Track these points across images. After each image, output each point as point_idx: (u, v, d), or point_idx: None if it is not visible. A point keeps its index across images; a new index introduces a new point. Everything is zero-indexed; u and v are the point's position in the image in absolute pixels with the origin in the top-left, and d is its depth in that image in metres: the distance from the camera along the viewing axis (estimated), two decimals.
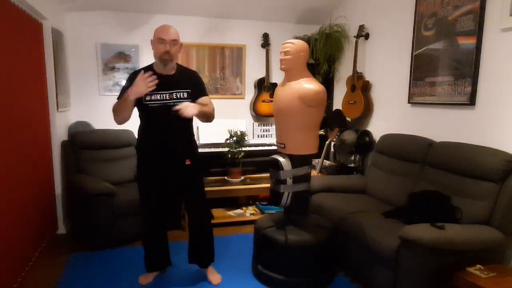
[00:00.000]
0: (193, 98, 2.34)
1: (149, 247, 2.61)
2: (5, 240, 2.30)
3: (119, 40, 4.08)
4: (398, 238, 2.13)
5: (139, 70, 2.30)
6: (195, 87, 2.38)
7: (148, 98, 2.27)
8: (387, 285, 2.23)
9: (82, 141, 3.57)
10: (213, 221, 3.53)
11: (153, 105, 2.29)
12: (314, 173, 3.65)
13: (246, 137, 3.93)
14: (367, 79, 3.83)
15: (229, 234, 3.39)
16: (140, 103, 2.27)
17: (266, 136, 4.66)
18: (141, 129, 2.43)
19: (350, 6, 4.12)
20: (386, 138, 3.34)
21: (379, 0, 3.66)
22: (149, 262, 2.63)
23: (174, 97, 2.30)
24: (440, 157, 2.68)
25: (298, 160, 2.48)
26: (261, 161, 3.73)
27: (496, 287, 1.84)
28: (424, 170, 2.82)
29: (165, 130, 2.34)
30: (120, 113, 2.25)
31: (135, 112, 2.35)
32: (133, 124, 4.15)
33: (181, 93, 2.32)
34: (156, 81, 2.18)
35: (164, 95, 2.29)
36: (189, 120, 2.38)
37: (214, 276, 2.61)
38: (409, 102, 3.24)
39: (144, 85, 2.15)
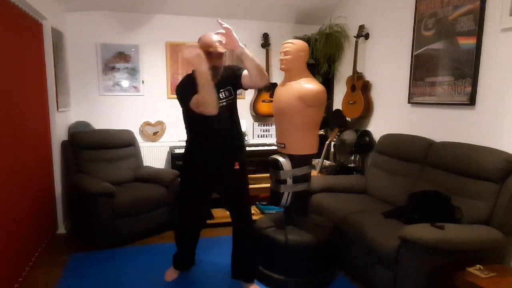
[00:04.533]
0: (234, 94, 2.28)
1: (181, 247, 2.58)
2: (5, 240, 2.30)
3: (119, 40, 4.08)
4: (398, 238, 2.13)
5: (188, 78, 2.25)
6: (233, 79, 2.23)
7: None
8: (387, 285, 2.23)
9: (82, 141, 3.57)
10: (213, 221, 3.55)
11: None
12: (314, 173, 3.64)
13: (246, 137, 3.93)
14: (367, 79, 3.83)
15: (229, 234, 3.36)
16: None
17: (266, 136, 4.66)
18: (190, 133, 2.34)
19: (350, 6, 4.12)
20: (386, 138, 3.34)
21: (379, 0, 3.66)
22: (178, 261, 2.62)
23: (220, 98, 2.18)
24: (440, 157, 2.68)
25: (298, 160, 2.48)
26: (261, 161, 3.73)
27: (496, 287, 1.84)
28: (424, 170, 2.82)
29: (217, 133, 2.26)
30: (209, 95, 2.01)
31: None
32: (133, 124, 4.16)
33: (222, 93, 2.23)
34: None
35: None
36: (238, 116, 2.36)
37: None
38: (409, 102, 3.24)
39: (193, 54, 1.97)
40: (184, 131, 2.40)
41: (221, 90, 2.23)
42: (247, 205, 2.43)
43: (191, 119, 2.28)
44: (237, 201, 2.41)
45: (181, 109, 2.28)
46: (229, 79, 2.26)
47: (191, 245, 2.62)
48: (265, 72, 2.20)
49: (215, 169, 2.32)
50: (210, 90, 2.00)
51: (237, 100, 2.38)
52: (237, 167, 2.31)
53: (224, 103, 2.24)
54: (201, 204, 2.50)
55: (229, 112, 2.28)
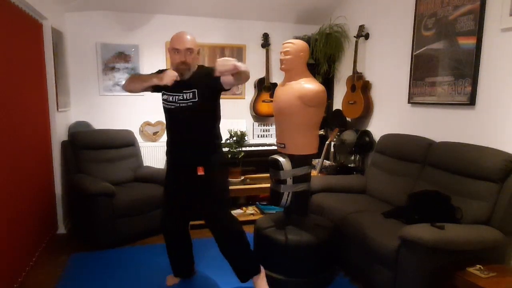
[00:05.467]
0: (201, 99, 2.16)
1: (168, 251, 2.52)
2: (5, 240, 2.30)
3: (119, 40, 4.08)
4: (398, 238, 2.13)
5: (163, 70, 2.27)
6: (204, 82, 2.15)
7: (164, 97, 2.26)
8: (387, 285, 2.23)
9: (82, 141, 3.57)
10: None
11: (166, 105, 2.26)
12: (314, 173, 3.64)
13: (246, 137, 3.94)
14: (367, 79, 3.83)
15: None
16: (162, 101, 2.28)
17: (266, 136, 4.66)
18: (166, 133, 2.40)
19: (350, 6, 4.12)
20: (386, 138, 3.34)
21: (379, 0, 3.66)
22: (173, 268, 2.56)
23: (181, 99, 2.18)
24: (440, 157, 2.68)
25: (298, 160, 2.48)
26: (261, 161, 3.74)
27: (496, 287, 1.84)
28: (424, 170, 2.82)
29: (178, 133, 2.28)
30: (133, 83, 2.23)
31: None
32: (133, 124, 4.16)
33: (187, 94, 2.17)
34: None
35: (175, 97, 2.20)
36: (210, 122, 2.28)
37: None
38: (409, 102, 3.24)
39: (169, 78, 2.10)
40: None
41: (185, 91, 2.17)
42: (215, 211, 2.30)
43: (165, 116, 2.34)
44: (204, 207, 2.32)
45: None
46: (200, 82, 2.17)
47: (179, 250, 2.52)
48: (247, 71, 2.11)
49: (179, 169, 2.33)
50: (139, 85, 2.21)
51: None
52: (200, 172, 2.21)
53: (184, 105, 2.18)
54: (177, 204, 2.41)
55: (193, 115, 2.20)
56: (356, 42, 3.79)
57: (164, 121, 4.19)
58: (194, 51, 2.17)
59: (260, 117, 4.55)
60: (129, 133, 3.93)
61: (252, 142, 4.38)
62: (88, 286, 2.52)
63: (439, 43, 2.88)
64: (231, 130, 3.88)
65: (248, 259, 2.37)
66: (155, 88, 2.26)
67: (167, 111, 2.29)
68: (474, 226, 2.23)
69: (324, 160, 3.95)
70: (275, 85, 4.39)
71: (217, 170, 2.30)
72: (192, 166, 2.25)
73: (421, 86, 3.09)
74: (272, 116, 3.72)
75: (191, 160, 2.27)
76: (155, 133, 4.28)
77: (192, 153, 2.27)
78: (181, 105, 2.20)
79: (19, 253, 2.55)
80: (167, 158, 2.44)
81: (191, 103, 2.18)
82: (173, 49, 2.15)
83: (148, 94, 4.19)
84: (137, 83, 2.22)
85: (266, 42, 4.45)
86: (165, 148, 2.43)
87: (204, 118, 2.26)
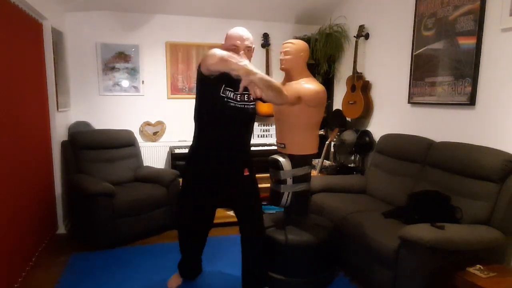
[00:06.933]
0: (255, 102, 2.17)
1: (187, 257, 2.51)
2: (5, 240, 2.30)
3: (119, 40, 4.08)
4: (398, 238, 2.13)
5: None
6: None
7: (226, 93, 2.05)
8: (387, 285, 2.23)
9: (82, 141, 3.57)
10: (217, 221, 3.53)
11: (224, 102, 2.06)
12: (314, 173, 3.64)
13: None
14: (367, 79, 3.83)
15: (229, 234, 3.39)
16: (215, 94, 2.03)
17: (266, 136, 4.66)
18: (205, 128, 2.16)
19: (350, 6, 4.12)
20: (386, 138, 3.34)
21: (379, 0, 3.66)
22: (184, 270, 2.55)
23: (243, 99, 2.10)
24: (440, 157, 2.68)
25: (298, 160, 2.48)
26: (261, 161, 3.74)
27: (496, 287, 1.84)
28: (424, 170, 2.82)
29: (228, 133, 2.15)
30: (221, 61, 1.84)
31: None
32: (133, 124, 4.16)
33: (248, 96, 2.10)
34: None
35: (237, 95, 2.08)
36: (253, 125, 2.29)
37: None
38: (409, 102, 3.24)
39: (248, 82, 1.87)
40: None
41: (245, 92, 2.04)
42: (258, 210, 2.30)
43: (212, 112, 2.11)
44: (248, 206, 2.28)
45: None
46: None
47: (196, 253, 2.54)
48: (282, 90, 2.02)
49: (226, 174, 2.21)
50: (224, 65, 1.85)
51: None
52: (247, 173, 2.24)
53: (242, 107, 2.11)
54: (207, 215, 2.40)
55: (249, 117, 2.19)
56: (356, 42, 3.79)
57: (163, 121, 4.18)
58: (251, 49, 2.10)
59: (260, 117, 4.55)
60: (129, 133, 3.93)
61: (252, 142, 4.38)
62: (88, 286, 2.52)
63: (439, 43, 2.88)
64: None
65: (265, 266, 2.39)
66: (214, 92, 2.07)
67: (222, 107, 2.06)
68: (474, 226, 2.23)
69: (324, 160, 3.95)
70: None
71: (254, 172, 2.33)
72: (239, 167, 2.23)
73: (421, 86, 3.09)
74: (272, 116, 3.72)
75: (238, 161, 2.24)
76: (155, 133, 4.28)
77: (239, 155, 2.24)
78: (243, 106, 2.11)
79: (19, 253, 2.55)
80: (197, 159, 2.23)
81: (252, 105, 2.15)
82: (231, 45, 2.02)
83: (148, 94, 4.23)
84: (223, 63, 1.83)
85: (266, 42, 4.45)
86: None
87: (253, 121, 2.27)
